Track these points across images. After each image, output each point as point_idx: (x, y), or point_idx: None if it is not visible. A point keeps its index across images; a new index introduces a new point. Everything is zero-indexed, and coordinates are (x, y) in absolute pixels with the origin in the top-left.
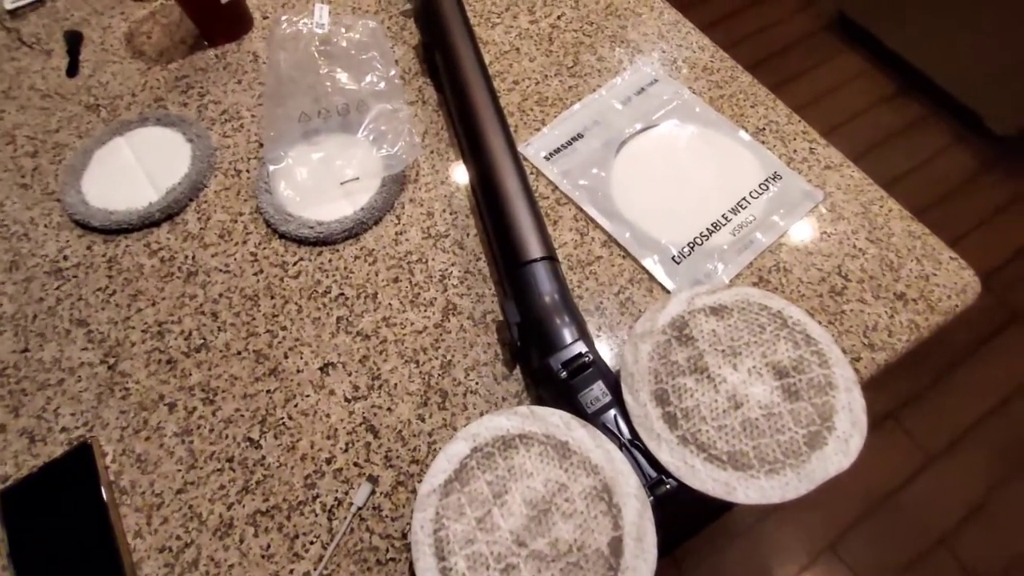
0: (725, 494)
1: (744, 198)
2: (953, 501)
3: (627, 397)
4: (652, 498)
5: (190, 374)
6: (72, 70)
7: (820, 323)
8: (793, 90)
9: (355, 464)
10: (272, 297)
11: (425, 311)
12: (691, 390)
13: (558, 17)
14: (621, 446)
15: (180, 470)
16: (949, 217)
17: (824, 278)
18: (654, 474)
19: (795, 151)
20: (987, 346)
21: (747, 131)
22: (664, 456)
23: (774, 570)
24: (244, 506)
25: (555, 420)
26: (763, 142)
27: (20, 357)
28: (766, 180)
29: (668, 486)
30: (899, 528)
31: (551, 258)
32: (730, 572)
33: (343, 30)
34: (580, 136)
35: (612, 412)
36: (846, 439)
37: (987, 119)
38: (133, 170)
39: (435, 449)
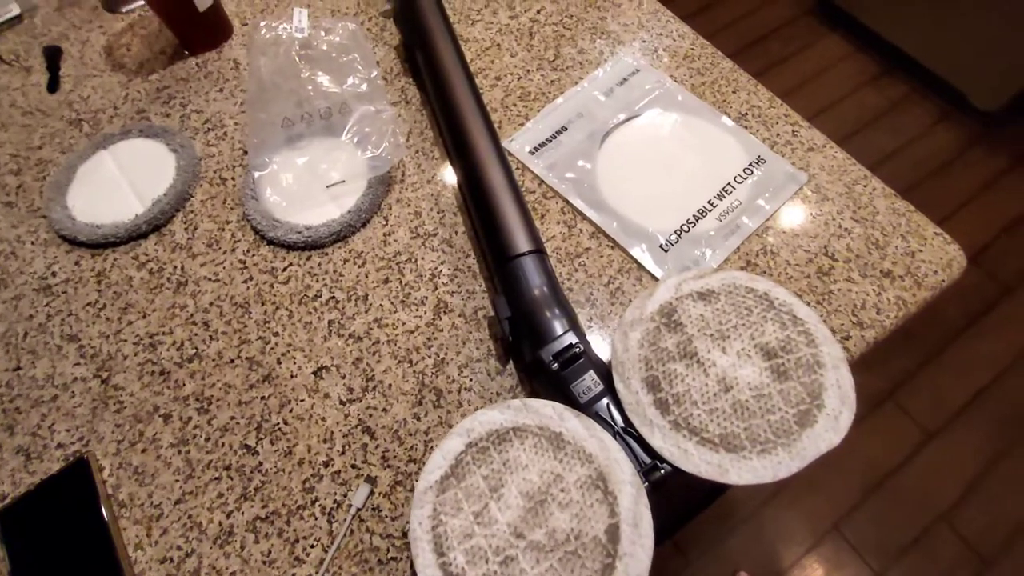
0: (718, 476)
1: (729, 183)
2: (952, 477)
3: (618, 385)
4: (647, 484)
5: (184, 384)
6: (53, 86)
7: (808, 303)
8: (777, 76)
9: (352, 466)
10: (263, 304)
11: (416, 310)
12: (681, 375)
13: (538, 11)
14: (615, 434)
15: (178, 480)
16: (937, 195)
17: (811, 259)
18: (648, 460)
19: (778, 134)
20: (979, 322)
21: (730, 117)
22: (657, 442)
23: (780, 553)
24: (243, 513)
25: (548, 411)
26: (746, 127)
27: (12, 375)
28: (750, 164)
29: (662, 471)
30: (901, 506)
31: (539, 251)
32: (737, 557)
33: (323, 33)
34: (564, 129)
35: (605, 401)
36: (836, 416)
37: (971, 96)
38: (118, 183)
39: (432, 447)
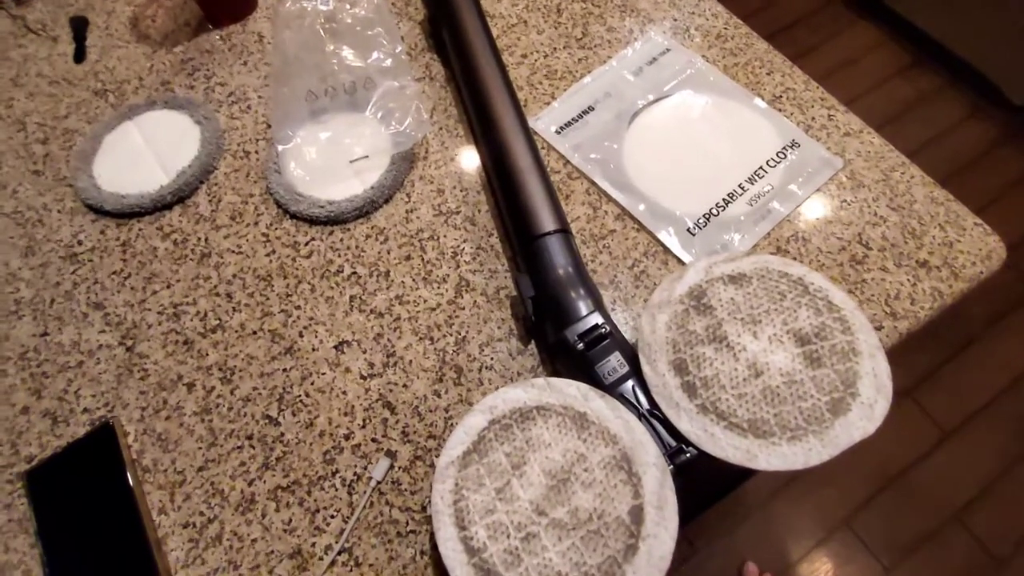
0: (746, 461)
1: (761, 167)
2: (968, 477)
3: (645, 367)
4: (672, 467)
5: (207, 354)
6: (79, 56)
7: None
8: (806, 64)
9: (373, 440)
10: (285, 277)
11: (438, 288)
12: (710, 359)
13: None
14: (640, 416)
15: (201, 448)
16: (967, 190)
17: (844, 247)
18: (674, 443)
19: (813, 118)
20: (1004, 321)
21: (763, 99)
22: (684, 425)
23: (789, 546)
24: (265, 482)
25: (572, 391)
26: (780, 110)
27: (40, 341)
28: (783, 148)
29: (688, 454)
30: (914, 504)
31: (564, 230)
32: (745, 549)
33: (348, 6)
34: (591, 109)
35: (630, 383)
36: (871, 404)
37: (1006, 89)
38: (143, 154)
39: (452, 424)
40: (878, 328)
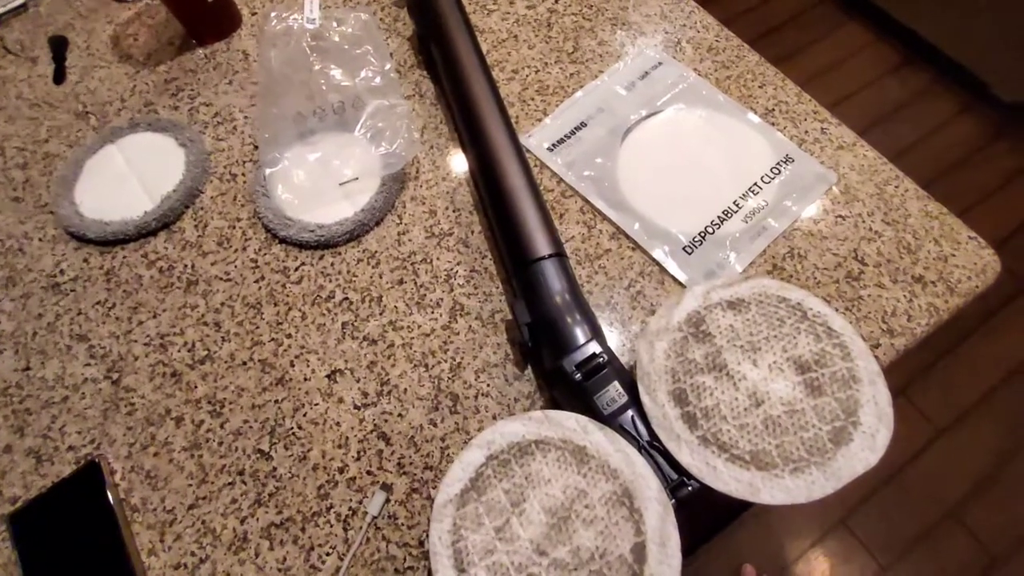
0: (749, 495)
1: (755, 183)
2: (963, 473)
3: (644, 398)
4: (674, 501)
5: (196, 386)
6: (59, 77)
7: (838, 311)
8: (795, 65)
9: (368, 472)
10: (275, 304)
11: (432, 313)
12: (710, 388)
13: (556, 1)
14: (640, 448)
15: (191, 485)
16: (958, 188)
17: (840, 263)
18: (675, 476)
19: (806, 132)
20: (996, 318)
21: (756, 113)
22: (685, 457)
23: (787, 546)
24: (258, 519)
25: (571, 424)
26: (773, 123)
27: (22, 376)
28: (778, 163)
29: (690, 488)
30: (910, 501)
31: (560, 254)
32: (744, 552)
33: (335, 24)
34: (584, 125)
35: (629, 413)
36: (872, 434)
37: (994, 86)
38: (126, 178)
39: (448, 454)
40: (875, 346)
